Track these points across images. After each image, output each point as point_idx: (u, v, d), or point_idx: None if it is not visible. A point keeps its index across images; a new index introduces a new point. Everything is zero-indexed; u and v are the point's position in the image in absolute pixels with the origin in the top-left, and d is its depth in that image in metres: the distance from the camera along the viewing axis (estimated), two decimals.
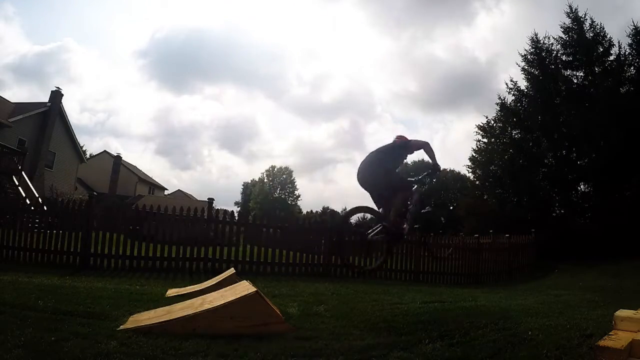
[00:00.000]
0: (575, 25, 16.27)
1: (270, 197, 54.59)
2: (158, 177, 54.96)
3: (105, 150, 37.03)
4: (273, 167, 58.80)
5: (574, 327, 3.73)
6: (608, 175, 13.78)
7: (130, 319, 3.51)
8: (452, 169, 44.53)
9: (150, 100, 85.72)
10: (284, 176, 57.90)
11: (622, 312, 2.88)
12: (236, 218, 9.19)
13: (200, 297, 3.98)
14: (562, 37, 16.64)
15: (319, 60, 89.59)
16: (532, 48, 17.13)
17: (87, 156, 33.97)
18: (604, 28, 16.03)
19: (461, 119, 77.13)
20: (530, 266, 11.54)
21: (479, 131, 18.11)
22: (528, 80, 17.33)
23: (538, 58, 16.97)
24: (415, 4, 74.16)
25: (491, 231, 12.07)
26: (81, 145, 28.42)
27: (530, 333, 3.52)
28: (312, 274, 8.69)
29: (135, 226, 8.73)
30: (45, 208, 8.85)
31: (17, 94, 77.59)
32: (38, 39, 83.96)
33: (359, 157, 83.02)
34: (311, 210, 50.38)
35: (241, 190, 60.88)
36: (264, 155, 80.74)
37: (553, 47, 16.91)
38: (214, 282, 5.34)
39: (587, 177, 15.36)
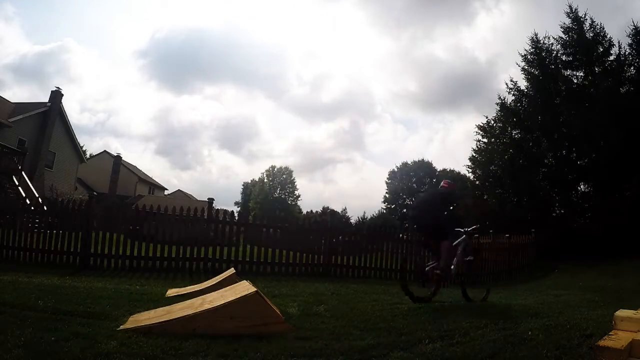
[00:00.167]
0: (575, 25, 16.27)
1: (270, 197, 54.60)
2: (158, 177, 55.04)
3: (105, 150, 37.12)
4: (273, 167, 58.90)
5: (574, 327, 3.73)
6: (608, 175, 13.77)
7: (130, 319, 3.51)
8: (452, 169, 44.67)
9: (150, 100, 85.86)
10: (284, 176, 57.94)
11: (622, 312, 2.88)
12: (236, 218, 9.19)
13: (200, 297, 3.97)
14: (562, 37, 16.65)
15: (319, 60, 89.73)
16: (532, 48, 17.13)
17: (87, 156, 33.99)
18: (604, 28, 16.05)
19: (461, 119, 77.30)
20: (530, 266, 11.53)
21: (479, 131, 18.12)
22: (528, 80, 17.32)
23: (538, 58, 16.96)
24: (415, 4, 74.28)
25: (491, 231, 12.06)
26: (81, 145, 28.48)
27: (530, 333, 3.52)
28: (312, 274, 8.69)
29: (135, 226, 8.73)
30: (45, 208, 8.85)
31: (17, 94, 77.75)
32: (38, 39, 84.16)
33: (359, 157, 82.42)
34: (311, 210, 50.43)
35: (241, 190, 60.99)
36: (264, 155, 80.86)
37: (553, 47, 16.93)
38: (214, 282, 5.34)
39: (587, 177, 15.36)
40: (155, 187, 38.74)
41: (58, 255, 7.79)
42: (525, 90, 17.37)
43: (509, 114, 17.49)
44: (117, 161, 32.37)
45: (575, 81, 16.49)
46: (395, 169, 49.44)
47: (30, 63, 72.72)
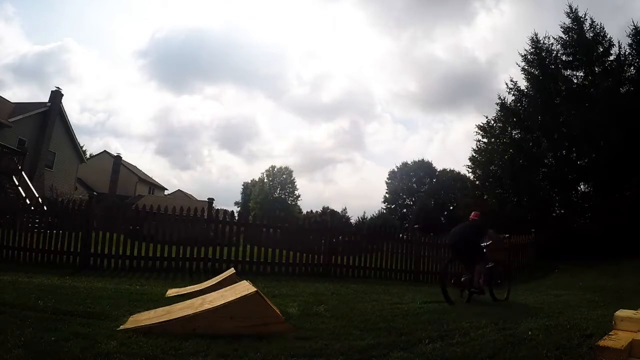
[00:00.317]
0: (575, 25, 16.26)
1: (270, 197, 54.55)
2: (158, 177, 54.97)
3: (105, 150, 37.07)
4: (273, 167, 58.79)
5: (574, 327, 3.73)
6: (608, 175, 13.76)
7: (130, 319, 3.51)
8: (452, 169, 44.65)
9: (150, 100, 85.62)
10: (284, 176, 57.87)
11: (622, 312, 2.88)
12: (236, 218, 9.19)
13: (200, 297, 3.98)
14: (562, 37, 16.64)
15: (319, 60, 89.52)
16: (532, 48, 17.12)
17: (87, 156, 33.96)
18: (604, 28, 16.04)
19: (461, 119, 77.11)
20: (530, 266, 11.53)
21: (479, 131, 18.11)
22: (528, 80, 17.31)
23: (538, 58, 16.96)
24: (415, 4, 74.21)
25: (490, 231, 12.03)
26: (81, 145, 28.46)
27: (530, 333, 3.52)
28: (312, 274, 8.69)
29: (135, 226, 8.73)
30: (45, 208, 8.86)
31: (17, 94, 77.62)
32: (38, 39, 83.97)
33: (359, 157, 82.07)
34: (311, 210, 50.40)
35: (241, 190, 60.86)
36: (264, 155, 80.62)
37: (553, 47, 16.91)
38: (214, 282, 5.35)
39: (587, 177, 15.35)
40: (155, 187, 38.73)
41: (58, 255, 7.79)
42: (525, 90, 17.36)
43: (509, 114, 17.49)
44: (117, 161, 32.36)
45: (575, 81, 16.48)
46: (395, 169, 49.37)
47: (30, 63, 72.70)
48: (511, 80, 17.65)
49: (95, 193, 10.04)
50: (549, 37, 16.96)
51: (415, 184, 47.76)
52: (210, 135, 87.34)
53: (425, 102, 76.14)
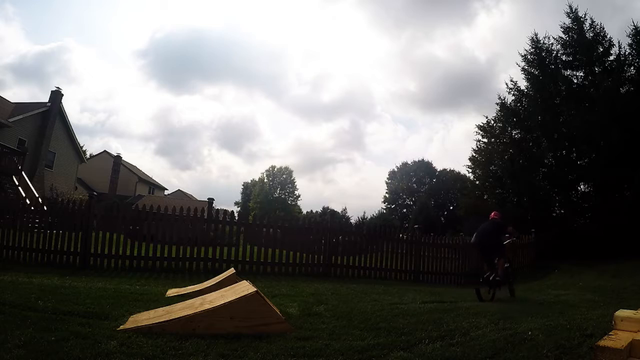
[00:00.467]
0: (575, 25, 16.24)
1: (270, 197, 54.54)
2: (158, 177, 55.13)
3: (105, 150, 37.06)
4: (273, 167, 58.82)
5: (574, 327, 3.73)
6: (608, 175, 13.74)
7: (130, 319, 3.51)
8: (452, 169, 44.65)
9: (150, 100, 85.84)
10: (284, 176, 57.87)
11: (622, 312, 2.88)
12: (236, 218, 9.18)
13: (200, 297, 3.98)
14: (562, 37, 16.61)
15: (319, 60, 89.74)
16: (532, 48, 17.10)
17: (87, 156, 33.94)
18: (604, 28, 15.99)
19: (461, 119, 77.27)
20: (530, 266, 11.53)
21: (479, 131, 18.09)
22: (528, 80, 17.29)
23: (538, 58, 16.94)
24: (415, 4, 74.28)
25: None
26: (81, 145, 28.45)
27: (530, 333, 3.52)
28: (312, 274, 8.70)
29: (135, 226, 8.72)
30: (45, 208, 8.84)
31: (17, 94, 77.80)
32: (38, 39, 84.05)
33: (359, 157, 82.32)
34: (311, 210, 50.42)
35: (241, 190, 60.90)
36: (264, 155, 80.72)
37: (553, 47, 16.88)
38: (214, 282, 5.34)
39: (587, 177, 15.32)
40: (155, 187, 38.73)
41: (58, 255, 7.79)
42: (525, 90, 17.34)
43: (509, 114, 17.47)
44: (117, 161, 32.37)
45: (575, 81, 16.45)
46: (395, 169, 49.43)
47: (30, 63, 72.83)
48: (511, 80, 17.64)
49: (95, 193, 10.03)
50: (549, 37, 16.94)
51: (415, 184, 47.78)
52: (210, 135, 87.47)
53: (425, 102, 76.28)
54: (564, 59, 16.68)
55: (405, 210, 47.10)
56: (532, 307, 5.42)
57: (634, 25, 15.20)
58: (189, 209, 8.68)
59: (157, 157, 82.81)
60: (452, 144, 77.16)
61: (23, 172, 17.61)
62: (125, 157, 37.37)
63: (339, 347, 3.07)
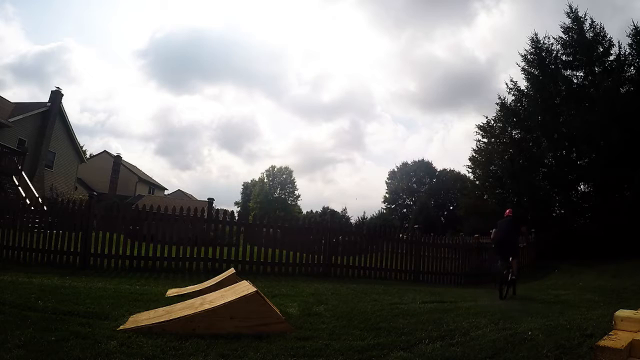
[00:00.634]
0: (575, 25, 16.25)
1: (270, 197, 54.54)
2: (158, 177, 55.10)
3: (105, 150, 37.05)
4: (273, 167, 58.81)
5: (574, 327, 3.73)
6: (608, 175, 13.75)
7: (130, 319, 3.51)
8: (452, 169, 44.65)
9: (150, 100, 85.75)
10: (284, 176, 57.87)
11: (622, 312, 2.88)
12: (236, 218, 9.18)
13: (200, 297, 3.98)
14: (562, 37, 16.62)
15: (319, 60, 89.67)
16: (532, 48, 17.11)
17: (87, 156, 33.94)
18: (604, 28, 16.01)
19: (461, 119, 77.21)
20: (530, 266, 11.54)
21: (479, 131, 18.11)
22: (528, 80, 17.30)
23: (538, 58, 16.95)
24: (415, 4, 74.25)
25: (491, 231, 12.02)
26: (81, 145, 28.45)
27: (530, 333, 3.53)
28: (312, 274, 8.69)
29: (135, 226, 8.72)
30: (45, 208, 8.84)
31: (17, 94, 77.76)
32: (38, 39, 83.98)
33: (359, 157, 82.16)
34: (311, 210, 50.40)
35: (241, 190, 60.90)
36: (264, 155, 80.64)
37: (553, 47, 16.89)
38: (214, 282, 5.34)
39: (587, 177, 15.33)
40: (155, 187, 38.73)
41: (58, 255, 7.79)
42: (525, 90, 17.36)
43: (509, 114, 17.48)
44: (117, 161, 32.36)
45: (575, 81, 16.46)
46: (395, 169, 49.42)
47: (30, 63, 72.75)
48: (511, 80, 17.67)
49: (95, 193, 10.03)
50: (549, 37, 16.97)
51: (415, 184, 47.79)
52: (210, 135, 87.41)
53: (425, 102, 76.25)
54: (564, 59, 16.69)
55: (405, 210, 47.11)
56: (532, 307, 5.42)
57: (634, 25, 15.22)
58: (189, 209, 8.68)
59: (157, 157, 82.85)
60: (452, 144, 77.20)
61: (23, 172, 17.60)
62: (125, 157, 37.41)
63: (339, 347, 3.07)
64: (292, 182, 57.87)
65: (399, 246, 9.88)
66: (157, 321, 3.29)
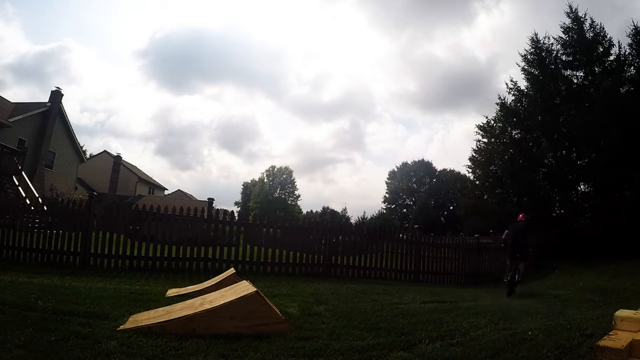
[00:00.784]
0: (575, 25, 16.24)
1: (270, 197, 54.51)
2: (158, 177, 55.10)
3: (105, 150, 37.03)
4: (273, 167, 58.77)
5: (574, 327, 3.73)
6: (608, 175, 13.74)
7: (130, 319, 3.51)
8: (452, 169, 44.63)
9: (150, 100, 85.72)
10: (284, 176, 57.84)
11: (622, 312, 2.88)
12: (236, 218, 9.18)
13: (200, 297, 3.98)
14: (562, 37, 16.62)
15: (319, 60, 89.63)
16: (532, 48, 17.10)
17: (87, 156, 33.93)
18: (604, 28, 16.00)
19: (461, 119, 77.17)
20: (530, 266, 11.51)
21: (479, 131, 18.11)
22: (528, 80, 17.29)
23: (538, 58, 16.94)
24: (415, 4, 74.23)
25: (491, 231, 12.06)
26: (81, 145, 28.44)
27: (530, 333, 3.53)
28: (312, 274, 8.69)
29: (135, 226, 8.72)
30: (45, 208, 8.83)
31: (17, 94, 77.78)
32: (38, 39, 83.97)
33: (359, 157, 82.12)
34: (311, 210, 50.36)
35: (241, 190, 60.87)
36: (264, 155, 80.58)
37: (553, 47, 16.89)
38: (214, 282, 5.34)
39: (587, 177, 15.33)
40: (155, 187, 38.72)
41: (58, 255, 7.79)
42: (525, 90, 17.35)
43: (509, 114, 17.47)
44: (117, 161, 32.36)
45: (575, 81, 16.45)
46: (395, 169, 49.39)
47: (30, 63, 72.75)
48: (511, 80, 17.67)
49: (95, 193, 10.04)
50: (549, 37, 16.96)
51: (415, 184, 47.76)
52: (210, 135, 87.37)
53: (425, 102, 76.21)
54: (564, 59, 16.68)
55: (405, 210, 47.07)
56: (532, 307, 5.42)
57: (634, 25, 15.22)
58: (189, 209, 8.68)
59: (157, 157, 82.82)
60: (452, 144, 77.16)
61: (23, 172, 17.60)
62: (125, 157, 37.41)
63: (339, 347, 3.07)
64: (292, 182, 57.87)
65: (399, 246, 9.88)
66: (157, 321, 3.29)
